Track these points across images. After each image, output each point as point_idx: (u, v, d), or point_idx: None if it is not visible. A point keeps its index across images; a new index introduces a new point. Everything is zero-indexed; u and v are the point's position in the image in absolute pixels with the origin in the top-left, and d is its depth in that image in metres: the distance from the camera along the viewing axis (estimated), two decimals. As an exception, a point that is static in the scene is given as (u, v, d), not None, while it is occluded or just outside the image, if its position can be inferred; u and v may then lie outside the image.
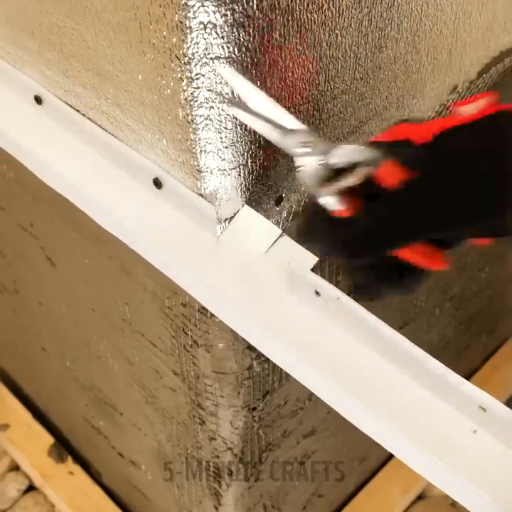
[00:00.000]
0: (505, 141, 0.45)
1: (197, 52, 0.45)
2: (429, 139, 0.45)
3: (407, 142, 0.46)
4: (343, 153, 0.44)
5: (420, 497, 1.21)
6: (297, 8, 0.47)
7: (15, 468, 1.25)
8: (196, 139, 0.49)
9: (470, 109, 0.46)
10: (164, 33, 0.45)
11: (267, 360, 0.65)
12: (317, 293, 0.49)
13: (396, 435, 0.45)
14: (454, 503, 1.23)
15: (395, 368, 0.47)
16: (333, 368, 0.47)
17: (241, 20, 0.44)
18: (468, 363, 1.27)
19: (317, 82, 0.52)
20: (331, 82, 0.54)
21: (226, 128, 0.49)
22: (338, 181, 0.45)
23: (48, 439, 1.22)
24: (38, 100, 0.63)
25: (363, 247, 0.46)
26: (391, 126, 0.48)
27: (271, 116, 0.46)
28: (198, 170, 0.51)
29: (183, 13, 0.43)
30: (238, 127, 0.49)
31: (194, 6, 0.43)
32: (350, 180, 0.44)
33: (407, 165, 0.45)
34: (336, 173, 0.45)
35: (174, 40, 0.45)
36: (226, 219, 0.54)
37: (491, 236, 0.47)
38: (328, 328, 0.49)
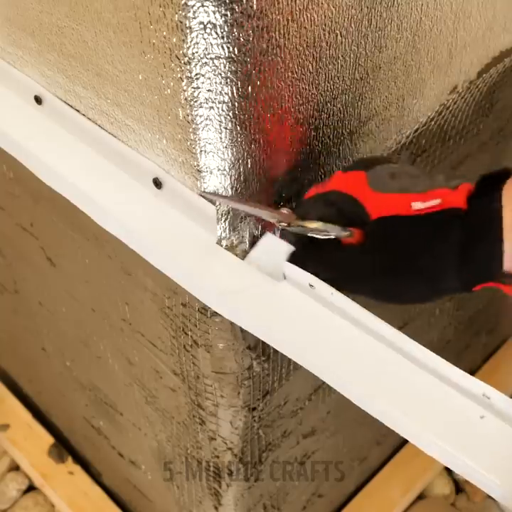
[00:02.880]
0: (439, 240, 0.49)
1: (197, 52, 0.45)
2: (381, 214, 0.50)
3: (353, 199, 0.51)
4: (316, 231, 0.51)
5: (420, 497, 1.21)
6: (297, 8, 0.47)
7: (15, 468, 1.25)
8: (196, 139, 0.49)
9: (420, 206, 0.49)
10: (164, 33, 0.45)
11: (267, 360, 0.65)
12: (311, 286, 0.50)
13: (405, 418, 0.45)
14: (454, 503, 1.23)
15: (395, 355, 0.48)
16: (344, 356, 0.48)
17: (241, 20, 0.44)
18: (468, 363, 1.27)
19: (317, 82, 0.52)
20: (331, 82, 0.54)
21: (226, 128, 0.49)
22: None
23: (48, 439, 1.21)
24: (38, 100, 0.63)
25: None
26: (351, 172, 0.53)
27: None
28: (198, 170, 0.51)
29: (183, 13, 0.43)
30: (238, 127, 0.49)
31: (194, 6, 0.43)
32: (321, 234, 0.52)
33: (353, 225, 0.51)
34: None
35: (174, 40, 0.45)
36: (224, 216, 0.54)
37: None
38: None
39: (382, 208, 0.50)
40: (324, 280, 0.51)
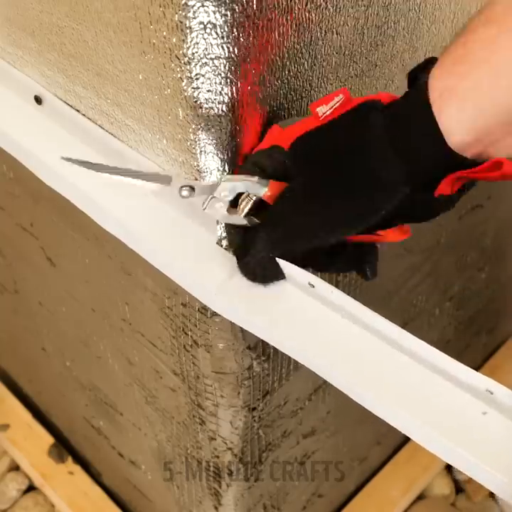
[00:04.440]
0: (363, 138, 0.44)
1: (197, 52, 0.45)
2: (290, 142, 0.46)
3: (277, 149, 0.48)
4: (228, 188, 0.49)
5: (420, 497, 1.21)
6: (296, 8, 0.47)
7: (15, 468, 1.25)
8: (196, 139, 0.49)
9: (325, 109, 0.46)
10: (164, 33, 0.45)
11: (267, 360, 0.65)
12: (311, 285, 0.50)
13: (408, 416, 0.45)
14: (454, 503, 1.23)
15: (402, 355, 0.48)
16: (345, 354, 0.48)
17: (241, 20, 0.44)
18: (468, 363, 1.26)
19: (311, 78, 0.52)
20: (325, 79, 0.54)
21: (226, 128, 0.49)
22: (235, 214, 0.50)
23: (48, 439, 1.21)
24: (38, 100, 0.63)
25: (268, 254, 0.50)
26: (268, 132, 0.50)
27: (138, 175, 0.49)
28: (197, 170, 0.51)
29: (183, 13, 0.43)
30: (238, 127, 0.49)
31: (194, 6, 0.43)
32: (245, 211, 0.49)
33: (276, 177, 0.48)
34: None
35: (174, 40, 0.45)
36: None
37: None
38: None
39: (293, 136, 0.47)
40: (278, 248, 0.49)
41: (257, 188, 0.48)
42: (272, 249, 0.49)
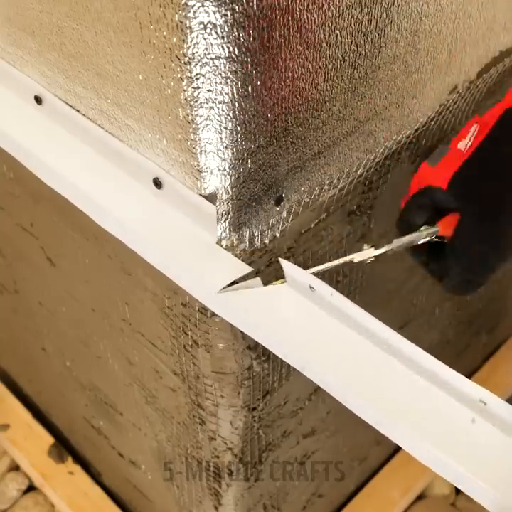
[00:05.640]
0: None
1: (197, 52, 0.45)
2: (447, 181, 0.51)
3: (431, 190, 0.53)
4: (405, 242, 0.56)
5: (420, 497, 1.21)
6: (297, 8, 0.47)
7: (15, 468, 1.25)
8: (196, 139, 0.49)
9: (466, 142, 0.48)
10: (164, 33, 0.45)
11: (267, 360, 0.65)
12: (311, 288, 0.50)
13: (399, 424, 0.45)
14: (454, 503, 1.23)
15: (392, 359, 0.48)
16: (338, 362, 0.48)
17: (241, 20, 0.44)
18: (468, 362, 1.27)
19: (316, 81, 0.52)
20: (330, 82, 0.54)
21: (226, 128, 0.49)
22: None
23: (48, 439, 1.21)
24: (38, 100, 0.63)
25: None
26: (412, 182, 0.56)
27: None
28: (198, 170, 0.51)
29: (183, 13, 0.43)
30: (238, 127, 0.49)
31: (194, 6, 0.43)
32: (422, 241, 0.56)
33: (444, 209, 0.52)
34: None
35: (174, 40, 0.45)
36: (224, 216, 0.54)
37: None
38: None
39: (444, 174, 0.50)
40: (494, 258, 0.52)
41: (427, 232, 0.54)
42: (466, 275, 0.54)
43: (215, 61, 0.45)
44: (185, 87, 0.47)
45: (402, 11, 0.56)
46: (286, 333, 0.49)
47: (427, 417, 0.45)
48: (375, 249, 0.54)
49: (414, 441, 0.44)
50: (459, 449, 0.43)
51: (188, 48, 0.45)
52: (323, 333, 0.49)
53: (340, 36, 0.52)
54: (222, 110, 0.48)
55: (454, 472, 0.43)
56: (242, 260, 0.54)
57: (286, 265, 0.51)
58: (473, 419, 0.44)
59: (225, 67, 0.46)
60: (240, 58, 0.46)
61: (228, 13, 0.43)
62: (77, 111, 0.60)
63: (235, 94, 0.47)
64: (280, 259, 0.50)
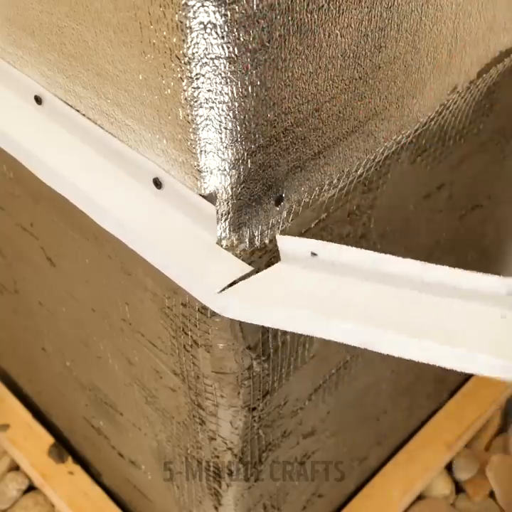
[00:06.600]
0: None
1: (197, 52, 0.45)
2: None
3: None
4: None
5: (420, 497, 1.21)
6: (297, 8, 0.47)
7: (15, 468, 1.25)
8: (196, 139, 0.49)
9: None
10: (164, 33, 0.45)
11: (267, 360, 0.65)
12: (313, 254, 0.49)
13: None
14: (454, 503, 1.23)
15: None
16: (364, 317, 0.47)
17: (241, 20, 0.44)
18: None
19: (316, 81, 0.52)
20: (330, 82, 0.54)
21: (226, 128, 0.49)
22: None
23: (48, 439, 1.21)
24: (38, 100, 0.63)
25: None
26: None
27: None
28: (198, 170, 0.51)
29: (183, 13, 0.43)
30: (238, 127, 0.49)
31: (194, 6, 0.43)
32: None
33: None
34: None
35: (174, 40, 0.45)
36: (224, 216, 0.54)
37: None
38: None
39: None
40: None
41: None
42: None
43: (215, 61, 0.45)
44: (185, 87, 0.47)
45: (402, 11, 0.56)
46: (295, 308, 0.48)
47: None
48: None
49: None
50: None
51: (188, 48, 0.45)
52: (343, 294, 0.48)
53: (340, 36, 0.52)
54: (222, 110, 0.48)
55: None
56: (242, 260, 0.54)
57: (282, 240, 0.49)
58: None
59: (225, 67, 0.46)
60: (239, 58, 0.46)
61: (228, 13, 0.43)
62: (77, 111, 0.60)
63: (235, 94, 0.47)
64: (277, 235, 0.49)
